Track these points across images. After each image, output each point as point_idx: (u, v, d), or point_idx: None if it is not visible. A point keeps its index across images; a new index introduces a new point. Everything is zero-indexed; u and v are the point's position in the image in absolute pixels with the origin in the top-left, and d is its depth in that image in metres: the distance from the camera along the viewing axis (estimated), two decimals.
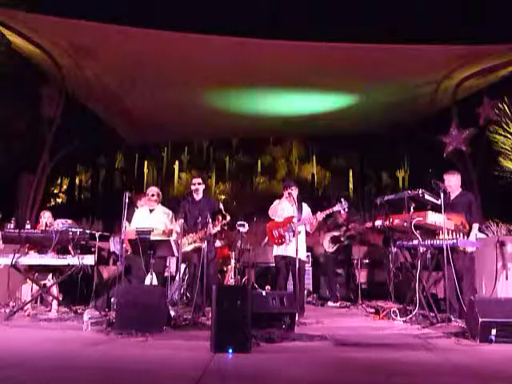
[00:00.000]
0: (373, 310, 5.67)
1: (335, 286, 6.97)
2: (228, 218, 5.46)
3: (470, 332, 3.82)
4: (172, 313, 4.67)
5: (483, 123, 7.99)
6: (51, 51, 7.64)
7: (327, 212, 5.51)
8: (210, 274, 5.33)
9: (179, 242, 5.06)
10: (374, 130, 11.15)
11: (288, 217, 5.58)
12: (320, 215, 5.50)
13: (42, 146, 8.33)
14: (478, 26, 8.20)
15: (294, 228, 5.34)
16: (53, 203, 13.86)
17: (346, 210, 5.57)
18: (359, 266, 6.94)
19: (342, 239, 6.86)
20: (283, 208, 5.70)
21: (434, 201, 4.90)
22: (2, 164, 8.52)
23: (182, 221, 5.39)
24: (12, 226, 5.16)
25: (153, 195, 5.78)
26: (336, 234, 6.94)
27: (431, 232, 4.97)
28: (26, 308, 5.26)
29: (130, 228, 5.51)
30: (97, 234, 5.53)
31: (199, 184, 5.67)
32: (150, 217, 5.75)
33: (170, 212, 5.84)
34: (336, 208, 5.47)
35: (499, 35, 7.08)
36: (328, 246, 6.95)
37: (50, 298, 5.56)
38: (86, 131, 9.70)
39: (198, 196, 5.67)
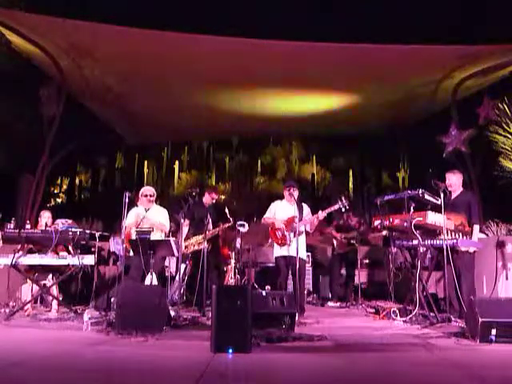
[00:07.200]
0: (373, 310, 5.67)
1: (337, 287, 7.01)
2: (231, 221, 5.80)
3: (470, 332, 3.81)
4: (172, 313, 4.67)
5: (483, 123, 7.98)
6: (51, 51, 7.64)
7: (328, 211, 5.52)
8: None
9: (179, 241, 5.11)
10: (373, 130, 11.15)
11: (290, 217, 5.59)
12: (321, 214, 5.51)
13: (42, 146, 8.32)
14: (478, 26, 8.21)
15: (296, 228, 5.34)
16: (53, 203, 13.86)
17: (347, 207, 5.56)
18: (359, 266, 6.94)
19: (353, 242, 6.88)
20: (284, 209, 5.72)
21: (434, 201, 4.89)
22: (2, 164, 8.53)
23: (187, 221, 5.82)
24: (12, 226, 5.15)
25: (150, 195, 5.77)
26: (348, 236, 6.99)
27: (431, 232, 4.97)
28: (26, 308, 5.25)
29: (129, 223, 5.49)
30: (97, 234, 5.52)
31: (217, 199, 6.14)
32: (146, 216, 5.69)
33: (165, 211, 5.86)
34: (337, 206, 5.47)
35: (499, 35, 7.09)
36: (339, 247, 7.01)
37: (50, 298, 5.55)
38: (86, 131, 9.70)
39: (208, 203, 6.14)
